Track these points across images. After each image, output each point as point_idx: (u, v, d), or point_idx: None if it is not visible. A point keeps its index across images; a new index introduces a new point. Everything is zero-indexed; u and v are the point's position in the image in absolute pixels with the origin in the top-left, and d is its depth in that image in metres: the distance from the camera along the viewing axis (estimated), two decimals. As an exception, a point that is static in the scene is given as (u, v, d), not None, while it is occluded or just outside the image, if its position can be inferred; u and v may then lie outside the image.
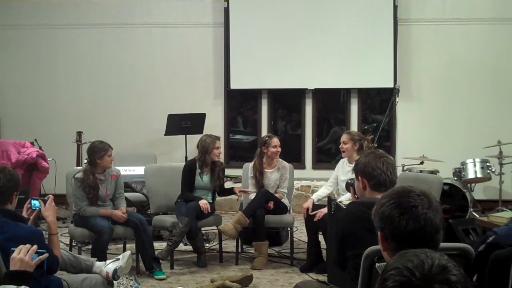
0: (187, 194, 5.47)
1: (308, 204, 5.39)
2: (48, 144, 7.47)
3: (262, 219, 5.36)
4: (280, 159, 5.74)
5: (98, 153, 5.03)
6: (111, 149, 5.09)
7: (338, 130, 8.45)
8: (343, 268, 2.77)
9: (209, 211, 5.39)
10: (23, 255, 2.61)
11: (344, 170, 5.40)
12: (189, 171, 5.54)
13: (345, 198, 4.82)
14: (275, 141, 5.65)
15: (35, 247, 2.67)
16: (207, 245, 5.92)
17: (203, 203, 5.34)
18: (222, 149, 8.35)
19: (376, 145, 6.26)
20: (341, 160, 5.50)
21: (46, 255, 2.73)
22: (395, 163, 2.86)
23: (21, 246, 2.65)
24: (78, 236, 5.03)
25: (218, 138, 5.64)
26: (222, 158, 8.31)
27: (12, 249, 2.65)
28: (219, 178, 5.59)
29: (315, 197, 5.50)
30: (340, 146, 5.39)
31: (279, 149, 5.66)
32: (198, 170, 5.55)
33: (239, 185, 7.02)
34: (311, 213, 5.25)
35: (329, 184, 5.55)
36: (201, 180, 5.55)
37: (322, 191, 5.54)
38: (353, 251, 2.58)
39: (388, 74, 7.90)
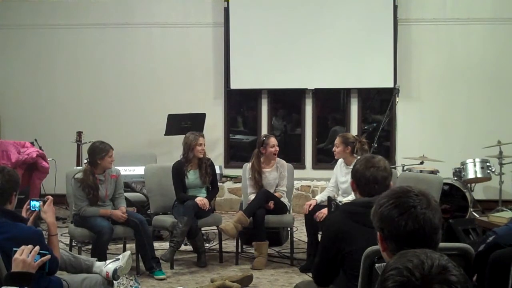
0: (182, 196, 5.46)
1: (311, 201, 5.41)
2: (48, 144, 7.47)
3: (262, 219, 5.36)
4: (278, 158, 5.74)
5: (99, 153, 5.03)
6: (111, 150, 5.09)
7: (337, 130, 8.45)
8: (323, 284, 2.80)
9: (207, 206, 5.38)
10: (26, 256, 2.60)
11: (342, 172, 5.41)
12: (177, 172, 5.53)
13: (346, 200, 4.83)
14: (273, 140, 5.65)
15: (37, 248, 2.65)
16: (207, 245, 5.92)
17: (200, 200, 5.34)
18: (221, 149, 8.44)
19: (376, 145, 6.27)
20: (339, 161, 5.50)
21: (49, 256, 2.72)
22: (388, 168, 2.84)
23: (23, 247, 2.63)
24: (78, 236, 5.03)
25: (202, 135, 5.61)
26: (222, 158, 8.37)
27: (14, 249, 2.64)
28: (207, 174, 5.56)
29: (318, 198, 5.50)
30: (333, 149, 5.41)
31: (277, 149, 5.66)
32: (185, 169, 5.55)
33: (238, 185, 7.03)
34: (311, 209, 5.25)
35: (331, 187, 5.55)
36: (187, 178, 5.53)
37: (324, 194, 5.51)
38: (349, 247, 2.59)
39: (388, 74, 7.89)
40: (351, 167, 5.08)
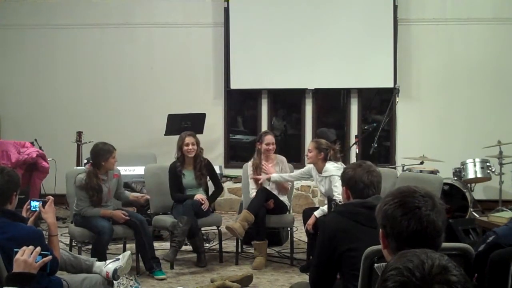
0: (178, 196, 5.46)
1: (311, 221, 5.12)
2: (48, 144, 7.47)
3: (264, 218, 5.37)
4: (277, 154, 5.76)
5: (103, 155, 5.00)
6: (115, 151, 5.08)
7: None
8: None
9: (206, 206, 5.37)
10: (27, 257, 2.59)
11: (316, 179, 5.41)
12: (172, 173, 5.51)
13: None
14: (268, 138, 5.67)
15: (38, 248, 2.65)
16: (207, 245, 5.92)
17: (199, 196, 5.34)
18: (221, 149, 8.43)
19: (376, 145, 6.27)
20: (310, 166, 5.43)
21: (50, 257, 2.71)
22: (380, 177, 2.89)
23: (24, 248, 2.62)
24: (78, 236, 5.03)
25: (191, 134, 5.55)
26: (222, 158, 8.37)
27: (15, 250, 2.63)
28: (203, 175, 5.53)
29: (317, 214, 5.14)
30: (305, 153, 5.40)
31: (272, 147, 5.65)
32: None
33: (238, 185, 7.03)
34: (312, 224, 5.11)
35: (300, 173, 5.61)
36: (184, 178, 5.52)
37: (323, 208, 5.20)
38: (347, 245, 2.60)
39: (388, 74, 7.90)
40: (322, 174, 5.14)
